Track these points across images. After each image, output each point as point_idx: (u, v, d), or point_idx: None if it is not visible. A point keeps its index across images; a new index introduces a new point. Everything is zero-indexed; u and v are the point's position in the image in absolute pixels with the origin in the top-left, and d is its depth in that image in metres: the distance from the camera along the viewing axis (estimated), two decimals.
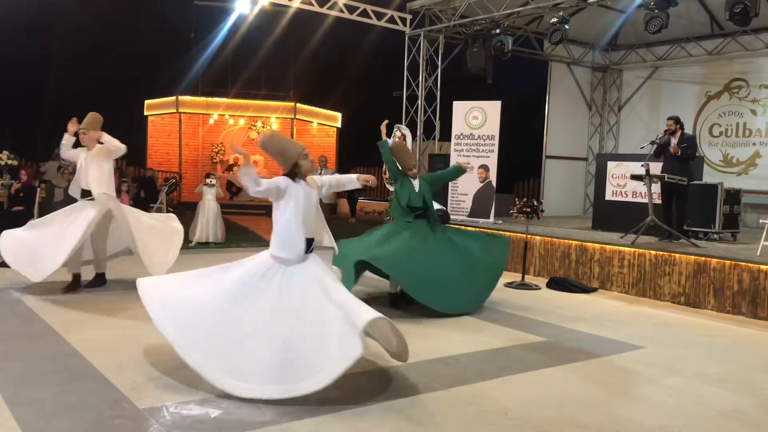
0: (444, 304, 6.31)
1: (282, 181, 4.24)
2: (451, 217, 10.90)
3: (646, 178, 8.31)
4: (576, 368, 4.86)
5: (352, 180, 4.91)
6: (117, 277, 7.33)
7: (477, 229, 10.10)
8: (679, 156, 8.36)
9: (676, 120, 8.55)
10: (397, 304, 6.69)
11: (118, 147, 6.78)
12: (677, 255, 7.58)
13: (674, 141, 8.47)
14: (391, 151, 6.78)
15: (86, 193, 6.73)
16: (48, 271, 6.31)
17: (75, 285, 6.88)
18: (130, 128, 17.40)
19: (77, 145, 6.85)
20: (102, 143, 6.77)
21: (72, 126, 6.79)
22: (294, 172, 4.31)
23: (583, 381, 4.56)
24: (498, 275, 6.90)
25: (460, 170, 7.15)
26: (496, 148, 10.96)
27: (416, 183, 6.71)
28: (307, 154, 4.39)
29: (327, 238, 4.56)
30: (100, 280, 7.09)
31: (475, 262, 6.67)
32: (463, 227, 9.33)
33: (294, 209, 4.24)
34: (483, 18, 11.52)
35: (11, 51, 20.69)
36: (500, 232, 9.74)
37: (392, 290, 6.85)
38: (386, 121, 7.24)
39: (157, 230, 7.01)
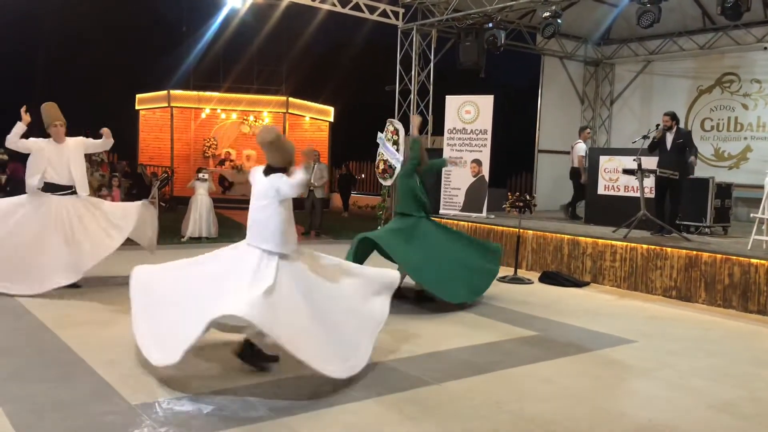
0: (453, 294, 6.45)
1: None
2: (445, 211, 10.92)
3: (638, 172, 8.33)
4: (568, 362, 4.88)
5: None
6: (107, 274, 7.26)
7: (470, 224, 10.12)
8: (691, 162, 8.82)
9: (672, 116, 8.53)
10: (420, 299, 6.80)
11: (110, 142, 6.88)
12: (669, 249, 7.61)
13: (670, 137, 8.47)
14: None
15: (58, 188, 6.59)
16: (59, 283, 6.36)
17: None
18: (121, 122, 17.30)
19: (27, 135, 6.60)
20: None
21: (27, 115, 6.49)
22: (288, 170, 4.35)
23: (575, 375, 4.58)
24: (492, 277, 6.99)
25: (444, 163, 8.20)
26: (488, 142, 10.96)
27: (417, 178, 6.85)
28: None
29: None
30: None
31: (471, 257, 6.81)
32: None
33: (290, 204, 4.33)
34: (476, 12, 11.50)
35: None
36: (493, 226, 9.76)
37: (417, 288, 6.89)
38: (420, 119, 7.34)
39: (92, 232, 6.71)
